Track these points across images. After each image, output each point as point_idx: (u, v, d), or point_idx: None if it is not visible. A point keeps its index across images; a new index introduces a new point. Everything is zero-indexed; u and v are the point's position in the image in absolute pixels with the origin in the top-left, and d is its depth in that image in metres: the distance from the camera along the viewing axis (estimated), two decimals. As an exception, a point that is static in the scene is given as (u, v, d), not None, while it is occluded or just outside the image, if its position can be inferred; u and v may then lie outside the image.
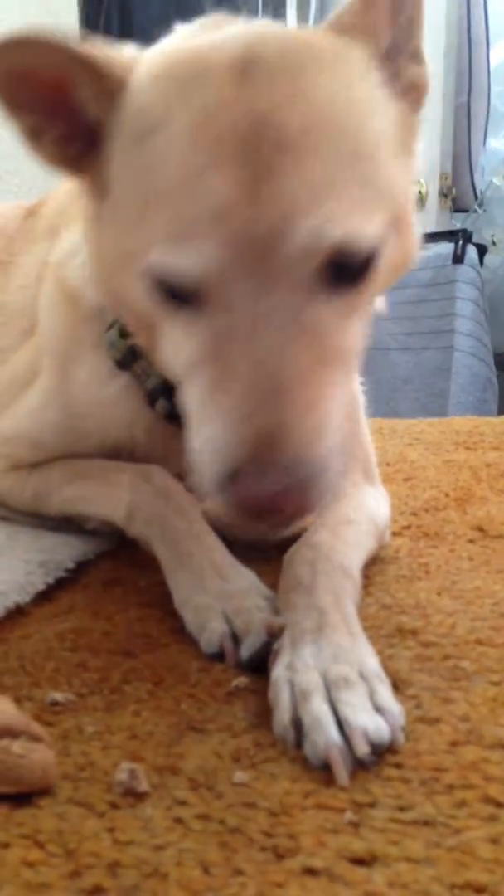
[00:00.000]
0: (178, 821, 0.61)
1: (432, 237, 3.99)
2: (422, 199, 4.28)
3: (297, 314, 0.75)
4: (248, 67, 0.76)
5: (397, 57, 0.87)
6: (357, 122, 0.79)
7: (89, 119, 0.83)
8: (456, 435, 2.10)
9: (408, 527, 1.36)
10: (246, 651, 0.85)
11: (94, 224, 0.89)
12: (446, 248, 3.82)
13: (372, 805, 0.63)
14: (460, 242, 3.77)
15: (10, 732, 0.63)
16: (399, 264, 0.89)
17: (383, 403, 3.61)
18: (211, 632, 0.88)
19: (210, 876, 0.56)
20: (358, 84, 0.82)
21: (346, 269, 0.77)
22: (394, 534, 1.30)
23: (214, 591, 0.93)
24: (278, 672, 0.77)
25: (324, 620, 0.82)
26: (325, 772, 0.67)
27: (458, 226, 4.15)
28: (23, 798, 0.62)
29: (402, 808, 0.63)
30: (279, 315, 0.74)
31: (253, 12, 3.83)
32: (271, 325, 0.74)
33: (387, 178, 0.81)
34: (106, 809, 0.62)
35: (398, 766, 0.68)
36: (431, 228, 4.19)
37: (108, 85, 0.81)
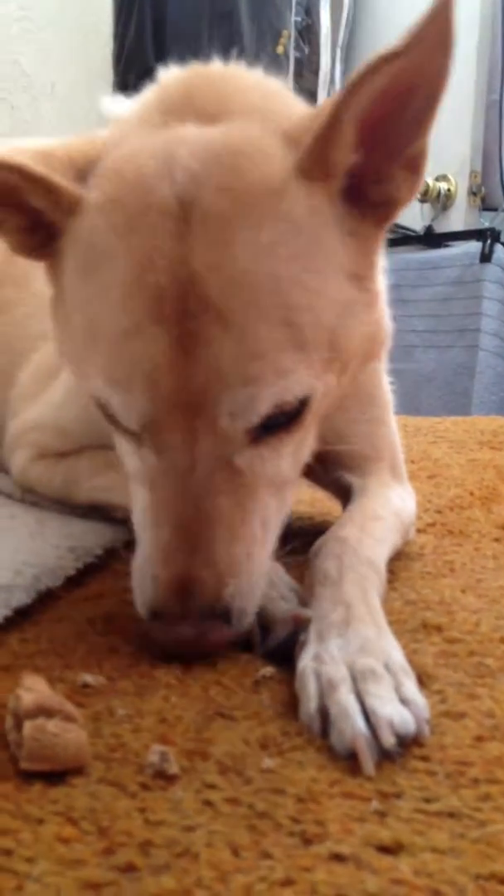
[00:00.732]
0: (208, 803, 0.62)
1: (460, 236, 3.99)
2: (450, 197, 4.28)
3: (226, 460, 0.79)
4: (186, 217, 0.75)
5: (384, 163, 0.84)
6: (293, 278, 0.77)
7: (46, 218, 0.85)
8: (480, 434, 2.10)
9: (433, 524, 1.37)
10: (273, 641, 0.86)
11: (54, 308, 0.92)
12: (474, 246, 3.82)
13: (398, 796, 0.64)
14: (488, 241, 3.76)
15: (45, 711, 0.65)
16: (337, 397, 0.91)
17: (406, 400, 3.60)
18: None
19: (239, 858, 0.57)
20: (302, 233, 0.79)
21: (271, 425, 0.80)
22: (419, 531, 1.31)
23: None
24: (305, 663, 0.78)
25: (350, 614, 0.83)
26: (351, 761, 0.68)
27: (487, 224, 4.14)
28: (56, 776, 0.63)
29: (427, 800, 0.64)
30: (208, 462, 0.78)
31: (286, 8, 3.82)
32: (200, 471, 0.77)
33: (325, 328, 0.81)
34: (137, 790, 0.63)
35: (424, 758, 0.69)
36: (459, 227, 4.19)
37: (62, 203, 0.82)
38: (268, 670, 0.82)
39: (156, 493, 0.79)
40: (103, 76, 3.60)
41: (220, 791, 0.64)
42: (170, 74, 1.00)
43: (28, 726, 0.64)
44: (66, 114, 3.42)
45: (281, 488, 0.84)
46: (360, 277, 0.85)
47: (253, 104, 0.92)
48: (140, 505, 0.83)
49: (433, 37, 0.72)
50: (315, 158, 0.80)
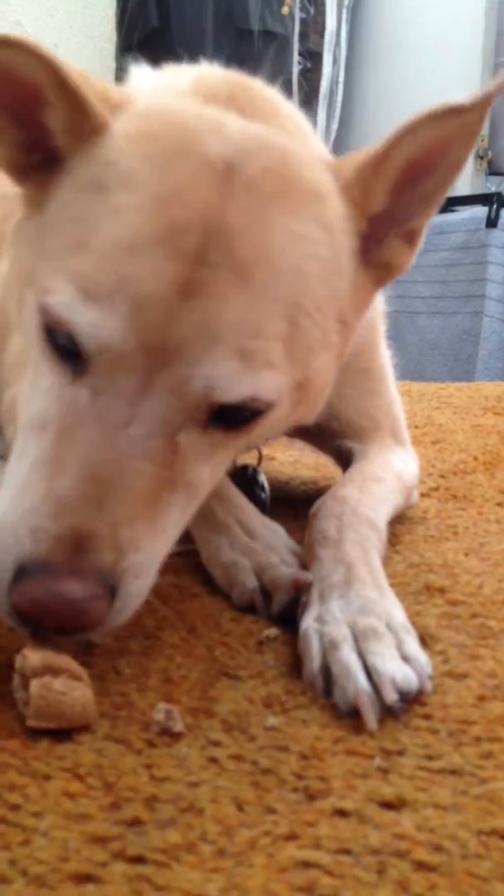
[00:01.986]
0: (213, 760, 0.63)
1: (466, 200, 3.95)
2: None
3: (164, 436, 0.71)
4: (230, 177, 0.72)
5: (388, 228, 0.84)
6: (302, 283, 0.75)
7: (51, 141, 0.79)
8: (485, 400, 2.10)
9: (436, 489, 1.37)
10: (276, 606, 0.87)
11: (20, 230, 0.85)
12: (480, 211, 3.78)
13: (401, 753, 0.65)
14: (494, 206, 3.72)
15: (52, 670, 0.65)
16: (290, 422, 0.86)
17: (410, 367, 3.60)
18: (241, 587, 0.89)
19: (244, 813, 0.58)
20: (330, 246, 0.78)
21: (228, 415, 0.74)
22: (422, 495, 1.31)
23: (241, 548, 0.94)
24: (307, 624, 0.79)
25: (351, 574, 0.84)
26: (354, 719, 0.69)
27: (493, 189, 4.10)
28: (63, 734, 0.64)
29: (430, 757, 0.64)
30: (145, 427, 0.70)
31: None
32: (135, 429, 0.69)
33: (307, 347, 0.77)
34: (143, 747, 0.64)
35: (426, 717, 0.69)
36: (465, 191, 4.15)
37: (83, 125, 0.76)
38: (271, 631, 0.83)
39: (66, 438, 0.69)
40: (106, 37, 3.57)
41: (225, 748, 0.64)
42: (213, 71, 0.97)
43: (35, 684, 0.64)
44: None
45: (194, 496, 0.76)
46: (345, 325, 0.83)
47: (288, 129, 0.92)
48: (30, 452, 0.71)
49: (480, 114, 0.78)
50: (360, 184, 0.80)
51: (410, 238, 0.86)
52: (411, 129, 0.77)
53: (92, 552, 0.66)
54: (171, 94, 0.90)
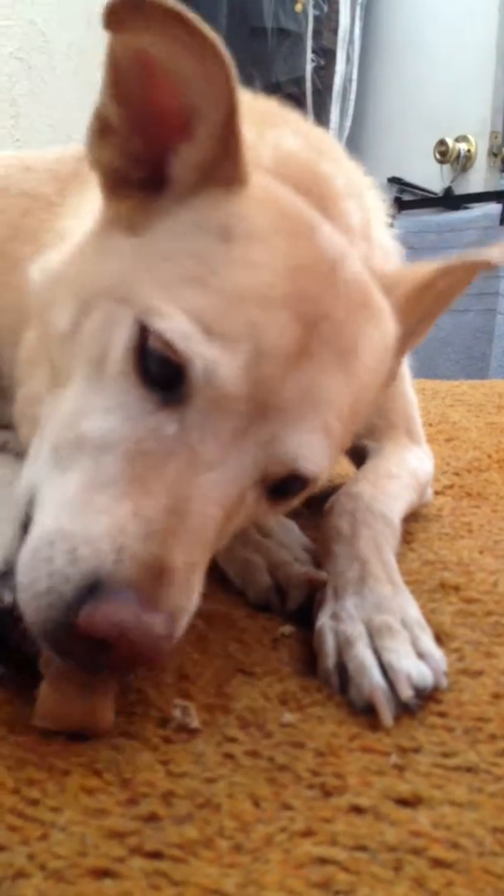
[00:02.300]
0: (229, 756, 0.63)
1: (480, 197, 3.95)
2: (470, 158, 4.23)
3: (240, 487, 0.69)
4: (334, 275, 0.74)
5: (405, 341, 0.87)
6: (368, 384, 0.78)
7: (168, 165, 0.75)
8: (498, 398, 2.10)
9: (450, 486, 1.37)
10: (291, 604, 0.87)
11: (104, 239, 0.79)
12: (494, 208, 3.78)
13: (416, 750, 0.65)
14: (508, 203, 3.71)
15: (66, 674, 0.64)
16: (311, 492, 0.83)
17: (423, 364, 3.59)
18: (256, 585, 0.90)
19: (260, 809, 0.58)
20: (384, 358, 0.80)
21: (280, 485, 0.73)
22: (436, 493, 1.31)
23: (255, 545, 0.94)
24: (322, 621, 0.79)
25: (366, 570, 0.84)
26: (369, 716, 0.69)
27: (507, 186, 4.09)
28: (79, 737, 0.64)
29: (445, 755, 0.64)
30: (230, 474, 0.68)
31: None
32: (218, 476, 0.67)
33: (352, 433, 0.80)
34: (159, 743, 0.64)
35: (442, 714, 0.69)
36: (479, 188, 4.14)
37: (224, 171, 0.73)
38: (287, 628, 0.83)
39: (146, 463, 0.65)
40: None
41: (241, 744, 0.65)
42: (292, 148, 0.93)
43: (45, 685, 0.64)
44: (82, 74, 3.39)
45: (208, 548, 0.70)
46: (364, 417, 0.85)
47: (352, 231, 0.93)
48: (83, 467, 0.67)
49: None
50: (406, 310, 0.83)
51: (402, 352, 0.89)
52: (448, 270, 0.83)
53: (168, 587, 0.61)
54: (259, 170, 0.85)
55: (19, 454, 1.35)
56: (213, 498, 0.66)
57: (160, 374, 0.68)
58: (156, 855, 0.53)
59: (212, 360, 0.66)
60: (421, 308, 0.86)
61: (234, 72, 0.68)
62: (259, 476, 0.70)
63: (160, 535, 0.62)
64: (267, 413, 0.68)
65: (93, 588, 0.59)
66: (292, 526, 1.00)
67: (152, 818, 0.56)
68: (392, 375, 0.87)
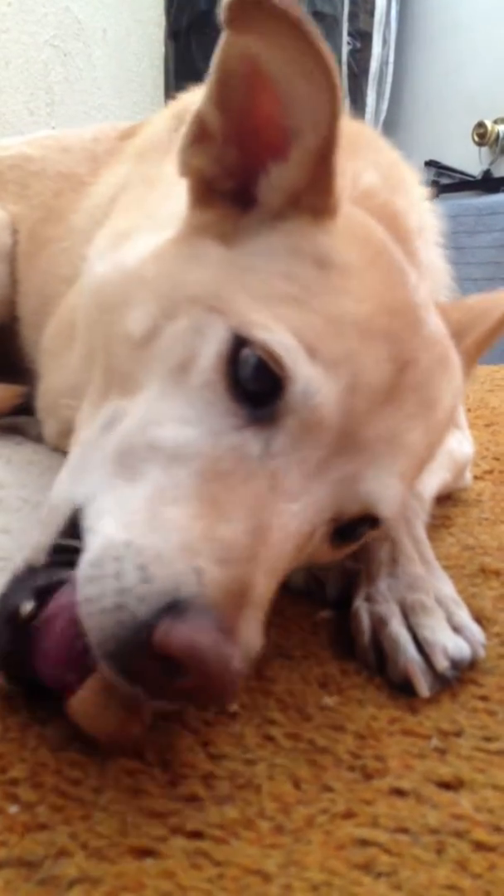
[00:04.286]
0: (269, 738, 0.63)
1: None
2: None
3: (313, 524, 0.66)
4: (420, 325, 0.72)
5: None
6: (437, 437, 0.76)
7: (256, 184, 0.73)
8: (538, 382, 2.07)
9: (490, 471, 1.36)
10: (330, 594, 0.87)
11: (190, 245, 0.76)
12: (534, 191, 3.73)
13: (458, 734, 0.65)
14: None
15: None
16: None
17: (462, 350, 3.55)
18: (295, 575, 0.89)
19: (300, 791, 0.58)
20: (452, 406, 0.78)
21: (346, 528, 0.70)
22: (476, 478, 1.30)
23: None
24: (358, 603, 0.80)
25: (397, 550, 0.84)
26: (409, 695, 0.69)
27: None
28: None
29: (487, 739, 0.64)
30: (308, 508, 0.64)
31: None
32: (297, 507, 0.63)
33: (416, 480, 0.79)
34: (199, 726, 0.64)
35: (484, 698, 0.69)
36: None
37: (312, 200, 0.71)
38: (325, 613, 0.83)
39: (224, 483, 0.61)
40: (155, 21, 3.56)
41: (281, 727, 0.65)
42: (373, 182, 0.91)
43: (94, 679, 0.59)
44: (117, 60, 3.39)
45: (280, 581, 0.65)
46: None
47: (421, 253, 0.95)
48: (153, 479, 0.62)
49: None
50: (470, 361, 0.83)
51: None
52: None
53: (246, 620, 0.56)
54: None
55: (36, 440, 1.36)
56: (290, 530, 0.62)
57: (253, 387, 0.64)
58: (197, 835, 0.53)
59: (314, 381, 0.63)
60: (483, 350, 0.86)
61: (341, 100, 0.65)
62: (334, 513, 0.67)
63: (241, 558, 0.57)
64: (351, 449, 0.65)
65: (169, 608, 0.54)
66: None
67: (193, 799, 0.56)
68: (453, 420, 0.86)
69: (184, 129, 0.74)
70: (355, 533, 0.71)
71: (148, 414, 0.66)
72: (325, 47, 0.63)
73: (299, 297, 0.66)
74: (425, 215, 1.03)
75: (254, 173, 0.72)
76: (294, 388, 0.63)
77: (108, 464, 0.66)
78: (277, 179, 0.71)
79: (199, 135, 0.73)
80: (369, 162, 0.93)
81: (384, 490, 0.68)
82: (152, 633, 0.52)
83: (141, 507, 0.60)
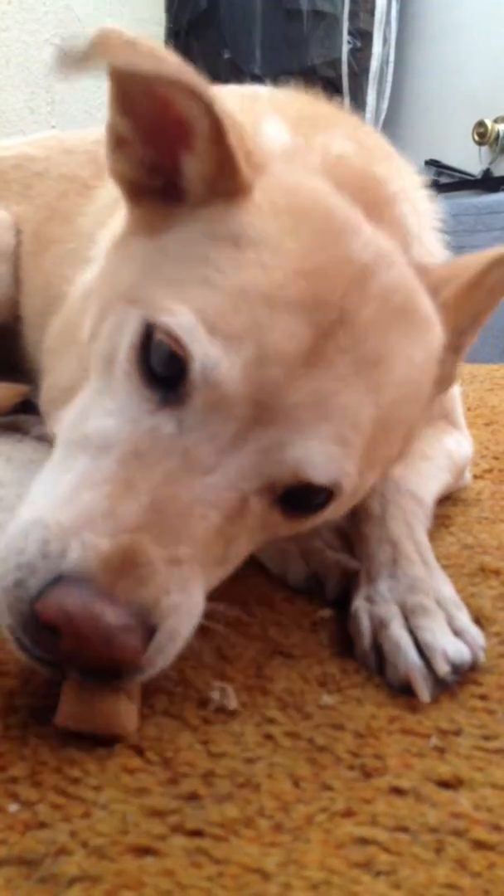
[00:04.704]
0: (268, 737, 0.63)
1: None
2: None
3: (239, 492, 0.67)
4: (366, 280, 0.71)
5: (449, 347, 0.83)
6: (399, 401, 0.74)
7: (180, 179, 0.76)
8: (538, 381, 2.07)
9: (489, 470, 1.36)
10: (329, 593, 0.87)
11: (124, 245, 0.81)
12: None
13: (457, 733, 0.65)
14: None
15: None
16: (317, 523, 0.80)
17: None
18: (295, 574, 0.90)
19: (300, 789, 0.58)
20: (423, 372, 0.77)
21: (293, 498, 0.71)
22: (476, 477, 1.30)
23: None
24: (357, 604, 0.80)
25: (397, 552, 0.84)
26: (408, 696, 0.69)
27: None
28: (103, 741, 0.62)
29: (486, 737, 0.64)
30: (226, 478, 0.66)
31: None
32: (213, 480, 0.65)
33: (375, 458, 0.75)
34: (199, 724, 0.64)
35: (483, 697, 0.69)
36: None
37: (225, 183, 0.72)
38: (325, 612, 0.83)
39: (137, 463, 0.64)
40: (156, 20, 3.56)
41: (280, 725, 0.65)
42: (346, 152, 0.92)
43: (68, 683, 0.62)
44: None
45: (230, 564, 0.71)
46: (406, 442, 0.82)
47: (400, 234, 0.91)
48: (79, 467, 0.67)
49: None
50: (456, 314, 0.81)
51: (458, 351, 0.86)
52: (497, 262, 0.80)
53: (138, 584, 0.60)
54: (308, 173, 0.84)
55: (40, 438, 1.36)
56: (207, 500, 0.64)
57: (162, 371, 0.67)
58: (197, 833, 0.53)
59: (212, 357, 0.65)
60: (472, 305, 0.83)
61: (212, 96, 0.69)
62: (262, 483, 0.68)
63: (133, 531, 0.60)
64: (270, 418, 0.66)
65: (55, 580, 0.59)
66: None
67: (193, 797, 0.57)
68: (446, 381, 0.84)
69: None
70: (310, 504, 0.72)
71: (83, 408, 0.73)
72: (167, 71, 0.68)
73: (209, 277, 0.69)
74: (415, 189, 1.02)
75: (175, 168, 0.75)
76: (194, 365, 0.65)
77: (55, 459, 0.72)
78: (192, 170, 0.74)
79: (116, 142, 0.77)
80: (345, 136, 0.95)
81: (312, 455, 0.67)
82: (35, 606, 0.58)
83: (64, 492, 0.65)
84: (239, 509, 0.68)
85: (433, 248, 1.04)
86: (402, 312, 0.74)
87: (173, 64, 0.69)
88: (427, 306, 0.77)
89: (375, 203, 0.84)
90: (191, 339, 0.66)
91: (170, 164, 0.76)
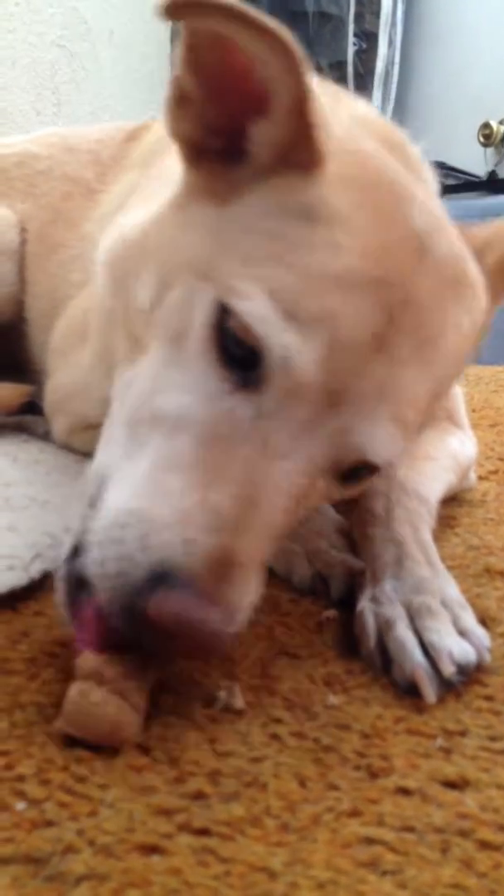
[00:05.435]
0: (275, 737, 0.63)
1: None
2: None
3: (309, 477, 0.68)
4: (424, 253, 0.71)
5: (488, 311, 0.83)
6: (450, 372, 0.76)
7: (245, 141, 0.74)
8: (543, 383, 2.07)
9: (495, 471, 1.36)
10: (334, 593, 0.87)
11: (185, 210, 0.78)
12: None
13: (463, 734, 0.65)
14: None
15: (97, 678, 0.62)
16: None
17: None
18: (300, 575, 0.90)
19: (306, 789, 0.58)
20: (470, 339, 0.77)
21: (353, 472, 0.72)
22: (481, 478, 1.30)
23: (292, 534, 0.94)
24: (363, 605, 0.80)
25: (402, 553, 0.84)
26: (414, 697, 0.69)
27: None
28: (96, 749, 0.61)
29: (492, 738, 0.64)
30: (300, 464, 0.67)
31: None
32: (288, 465, 0.66)
33: (423, 425, 0.77)
34: (206, 723, 0.65)
35: (488, 698, 0.69)
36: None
37: (298, 153, 0.70)
38: (331, 612, 0.83)
39: (219, 448, 0.65)
40: (162, 23, 3.56)
41: (286, 725, 0.65)
42: (371, 113, 0.94)
43: (74, 688, 0.62)
44: (124, 61, 3.39)
45: (276, 538, 0.69)
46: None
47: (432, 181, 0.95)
48: (157, 446, 0.67)
49: None
50: (499, 269, 0.81)
51: (492, 313, 0.85)
52: None
53: (232, 582, 0.61)
54: (352, 126, 0.82)
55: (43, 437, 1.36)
56: (283, 488, 0.66)
57: (239, 355, 0.67)
58: (203, 832, 0.53)
59: (289, 347, 0.64)
60: None
61: (303, 61, 0.66)
62: (329, 465, 0.69)
63: (228, 526, 0.62)
64: (339, 402, 0.67)
65: (161, 577, 0.60)
66: (326, 508, 0.99)
67: (199, 796, 0.57)
68: (476, 348, 0.84)
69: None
70: (357, 476, 0.73)
71: (151, 383, 0.71)
72: (272, 24, 0.65)
73: (283, 256, 0.68)
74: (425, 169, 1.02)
75: (240, 130, 0.73)
76: (270, 357, 0.65)
77: (121, 435, 0.72)
78: (262, 135, 0.72)
79: (179, 99, 0.74)
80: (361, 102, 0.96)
81: (376, 440, 0.69)
82: (146, 605, 0.59)
83: (146, 476, 0.65)
84: (307, 492, 0.69)
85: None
86: (455, 283, 0.74)
87: (267, 21, 0.65)
88: (474, 273, 0.77)
89: (408, 161, 0.84)
90: (266, 329, 0.65)
91: (235, 127, 0.74)
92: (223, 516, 0.62)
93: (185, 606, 0.59)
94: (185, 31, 0.69)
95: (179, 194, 0.79)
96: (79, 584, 0.66)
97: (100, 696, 0.61)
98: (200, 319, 0.69)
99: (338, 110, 0.86)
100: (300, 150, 0.70)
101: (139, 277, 0.77)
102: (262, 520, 0.64)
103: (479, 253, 0.79)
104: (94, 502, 0.68)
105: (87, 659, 0.63)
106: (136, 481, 0.66)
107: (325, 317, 0.65)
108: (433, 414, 0.79)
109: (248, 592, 0.63)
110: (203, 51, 0.70)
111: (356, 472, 0.72)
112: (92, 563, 0.63)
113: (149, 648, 0.63)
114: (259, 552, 0.64)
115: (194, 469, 0.64)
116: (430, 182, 0.94)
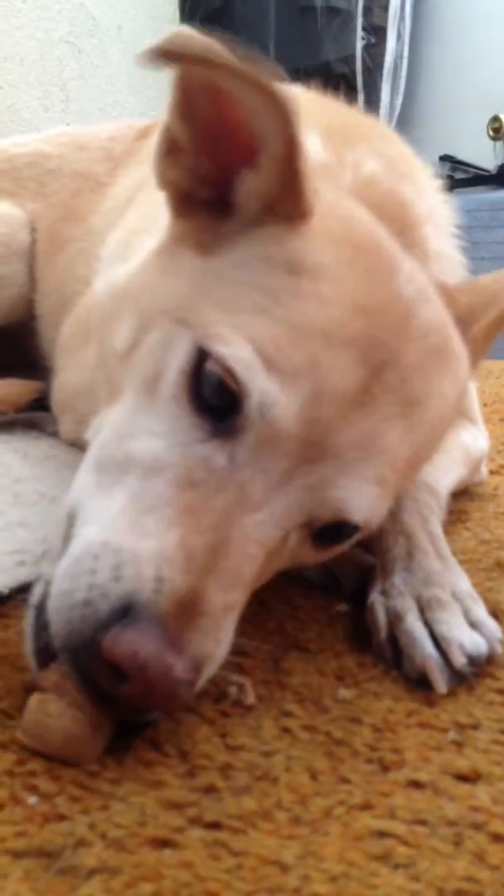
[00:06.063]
0: (286, 730, 0.63)
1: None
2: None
3: (282, 530, 0.66)
4: (409, 319, 0.70)
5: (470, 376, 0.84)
6: (431, 438, 0.75)
7: (232, 193, 0.73)
8: None
9: (506, 466, 1.35)
10: (346, 590, 0.87)
11: (172, 258, 0.77)
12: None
13: (475, 727, 0.65)
14: None
15: (59, 691, 0.60)
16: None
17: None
18: (311, 569, 0.89)
19: (318, 782, 0.58)
20: (452, 407, 0.77)
21: (330, 532, 0.71)
22: (492, 472, 1.30)
23: None
24: (373, 598, 0.80)
25: (412, 544, 0.84)
26: (425, 689, 0.69)
27: None
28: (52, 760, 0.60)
29: (504, 731, 0.64)
30: (274, 516, 0.65)
31: None
32: (262, 517, 0.64)
33: (399, 489, 0.76)
34: (216, 717, 0.65)
35: (500, 691, 0.69)
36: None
37: (286, 206, 0.70)
38: (342, 606, 0.84)
39: (195, 493, 0.63)
40: (169, 17, 3.56)
41: (298, 719, 0.65)
42: (375, 173, 0.92)
43: (34, 698, 0.61)
44: (132, 57, 3.40)
45: (245, 590, 0.66)
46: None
47: (430, 241, 0.95)
48: (130, 488, 0.65)
49: None
50: (479, 347, 0.81)
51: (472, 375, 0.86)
52: None
53: (202, 635, 0.59)
54: (342, 195, 0.82)
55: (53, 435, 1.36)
56: (255, 539, 0.64)
57: (214, 401, 0.65)
58: (215, 826, 0.53)
59: (270, 395, 0.63)
60: (493, 337, 0.83)
61: (295, 112, 0.66)
62: (304, 519, 0.68)
63: (200, 570, 0.60)
64: (318, 456, 0.65)
65: (126, 611, 0.57)
66: None
67: (211, 790, 0.57)
68: (458, 410, 0.84)
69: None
70: (339, 536, 0.71)
71: (123, 426, 0.70)
72: (262, 77, 0.64)
73: (266, 307, 0.67)
74: (437, 205, 1.03)
75: (228, 181, 0.73)
76: (250, 402, 0.63)
77: (92, 472, 0.70)
78: (250, 186, 0.72)
79: (170, 147, 0.74)
80: (374, 151, 0.94)
81: (355, 497, 0.67)
82: (104, 634, 0.56)
83: (120, 513, 0.63)
84: (279, 545, 0.67)
85: (452, 256, 1.04)
86: (439, 352, 0.73)
87: (258, 74, 0.65)
88: (458, 344, 0.77)
89: (403, 227, 0.84)
90: (248, 375, 0.64)
91: (223, 177, 0.73)
92: (197, 560, 0.60)
93: (146, 646, 0.55)
94: (178, 80, 0.69)
95: (164, 242, 0.79)
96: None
97: (57, 709, 0.59)
98: (176, 364, 0.67)
99: (342, 174, 0.87)
100: (288, 202, 0.70)
101: (119, 321, 0.76)
102: (233, 570, 0.62)
103: (463, 321, 0.79)
104: (66, 541, 0.66)
105: (51, 670, 0.61)
106: (112, 517, 0.64)
107: (308, 367, 0.64)
108: (411, 479, 0.79)
109: (214, 645, 0.61)
110: (196, 99, 0.70)
111: (334, 531, 0.70)
112: (55, 595, 0.61)
113: (97, 693, 0.58)
114: (229, 603, 0.62)
115: (172, 509, 0.62)
116: (429, 243, 0.95)
